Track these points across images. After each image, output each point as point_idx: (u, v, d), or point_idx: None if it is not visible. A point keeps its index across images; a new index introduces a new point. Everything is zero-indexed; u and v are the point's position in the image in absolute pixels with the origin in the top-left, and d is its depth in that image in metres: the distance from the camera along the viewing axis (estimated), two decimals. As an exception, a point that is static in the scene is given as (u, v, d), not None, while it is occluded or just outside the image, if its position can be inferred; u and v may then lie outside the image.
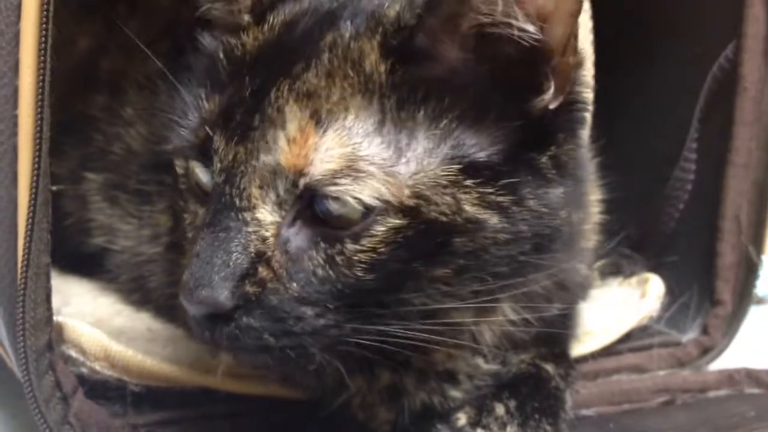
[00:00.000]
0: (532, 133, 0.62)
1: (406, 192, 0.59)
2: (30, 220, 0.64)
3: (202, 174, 0.65)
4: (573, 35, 0.60)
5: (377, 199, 0.58)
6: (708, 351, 0.99)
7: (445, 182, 0.59)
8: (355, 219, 0.59)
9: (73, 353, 0.72)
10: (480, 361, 0.77)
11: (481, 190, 0.60)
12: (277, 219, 0.60)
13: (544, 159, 0.63)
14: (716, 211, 1.00)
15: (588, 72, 0.93)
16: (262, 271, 0.60)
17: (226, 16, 0.69)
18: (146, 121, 0.95)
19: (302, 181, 0.59)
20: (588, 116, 0.69)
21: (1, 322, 0.68)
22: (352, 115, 0.59)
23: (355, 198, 0.58)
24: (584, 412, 0.85)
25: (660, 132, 1.08)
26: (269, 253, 0.60)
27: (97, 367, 0.72)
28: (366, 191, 0.58)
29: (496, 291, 0.66)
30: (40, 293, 0.66)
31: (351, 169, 0.58)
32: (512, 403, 0.75)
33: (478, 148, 0.61)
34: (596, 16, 1.03)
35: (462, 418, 0.73)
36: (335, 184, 0.58)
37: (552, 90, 0.61)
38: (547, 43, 0.59)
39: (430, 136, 0.60)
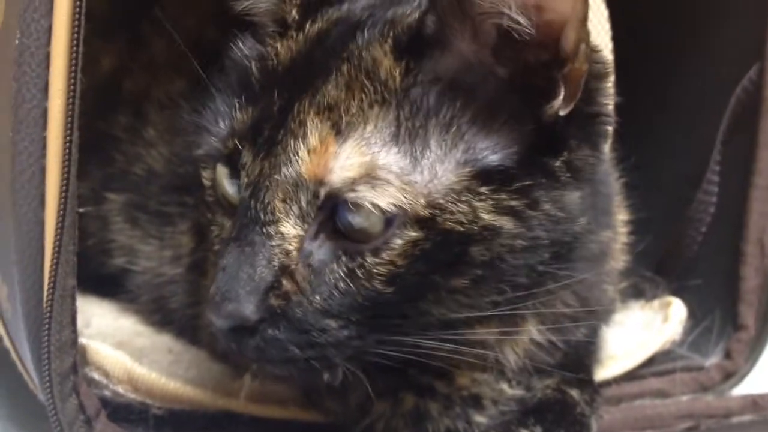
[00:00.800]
0: (545, 137, 0.62)
1: (422, 201, 0.59)
2: (57, 242, 0.64)
3: (228, 186, 0.65)
4: (584, 41, 0.60)
5: (394, 206, 0.58)
6: (731, 376, 0.97)
7: (459, 188, 0.60)
8: (375, 233, 0.59)
9: (96, 376, 0.72)
10: (505, 386, 0.76)
11: (496, 196, 0.60)
12: (301, 232, 0.61)
13: (557, 163, 0.62)
14: (739, 234, 0.98)
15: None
16: (286, 284, 0.60)
17: (274, 9, 0.69)
18: (168, 142, 0.96)
19: (323, 191, 0.59)
20: (609, 129, 0.68)
21: (26, 345, 0.68)
22: (371, 126, 0.60)
23: (373, 204, 0.58)
24: (608, 438, 0.85)
25: (683, 153, 1.07)
26: (293, 267, 0.61)
27: (120, 389, 0.72)
28: (384, 198, 0.58)
29: (516, 302, 0.65)
30: (66, 315, 0.66)
31: (369, 177, 0.59)
32: (538, 430, 0.74)
33: (490, 151, 0.61)
34: (618, 36, 1.04)
35: (488, 445, 0.73)
36: (354, 191, 0.58)
37: (562, 96, 0.61)
38: (562, 48, 0.59)
39: (442, 143, 0.60)
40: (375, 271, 0.60)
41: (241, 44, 0.70)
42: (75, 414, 0.68)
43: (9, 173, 0.65)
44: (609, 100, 0.67)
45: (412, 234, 0.59)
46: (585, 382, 0.81)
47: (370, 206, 0.58)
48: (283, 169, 0.60)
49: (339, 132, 0.60)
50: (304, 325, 0.60)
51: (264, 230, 0.61)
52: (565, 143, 0.63)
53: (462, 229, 0.59)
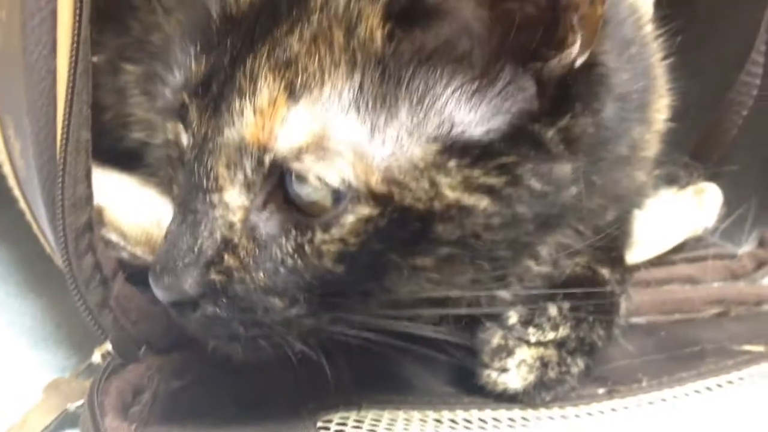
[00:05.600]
0: (544, 101, 0.56)
1: (377, 176, 0.53)
2: (69, 91, 0.61)
3: (185, 140, 0.59)
4: None
5: (343, 180, 0.53)
6: (763, 264, 0.95)
7: (422, 165, 0.53)
8: (327, 206, 0.54)
9: (113, 237, 0.70)
10: (531, 263, 0.74)
11: (467, 172, 0.54)
12: (245, 203, 0.56)
13: (550, 133, 0.56)
14: (782, 118, 0.95)
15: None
16: (228, 260, 0.56)
17: None
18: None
19: (267, 158, 0.54)
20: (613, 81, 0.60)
21: (40, 202, 0.66)
22: (329, 87, 0.53)
23: (319, 177, 0.53)
24: (635, 319, 0.83)
25: (728, 35, 1.02)
26: (236, 240, 0.56)
27: (139, 251, 0.70)
28: (332, 172, 0.52)
29: (497, 274, 0.61)
30: (80, 169, 0.64)
31: (318, 147, 0.53)
32: (566, 305, 0.72)
33: (475, 124, 0.54)
34: None
35: (513, 317, 0.71)
36: (299, 161, 0.53)
37: (578, 44, 0.54)
38: None
39: (414, 114, 0.54)
40: (324, 248, 0.54)
41: None
42: (91, 272, 0.66)
43: (19, 17, 0.61)
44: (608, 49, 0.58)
45: (365, 211, 0.53)
46: (616, 261, 0.79)
47: (314, 179, 0.53)
48: (226, 132, 0.54)
49: (292, 93, 0.53)
50: (247, 303, 0.56)
51: (207, 198, 0.56)
52: (570, 105, 0.56)
53: (422, 206, 0.53)
